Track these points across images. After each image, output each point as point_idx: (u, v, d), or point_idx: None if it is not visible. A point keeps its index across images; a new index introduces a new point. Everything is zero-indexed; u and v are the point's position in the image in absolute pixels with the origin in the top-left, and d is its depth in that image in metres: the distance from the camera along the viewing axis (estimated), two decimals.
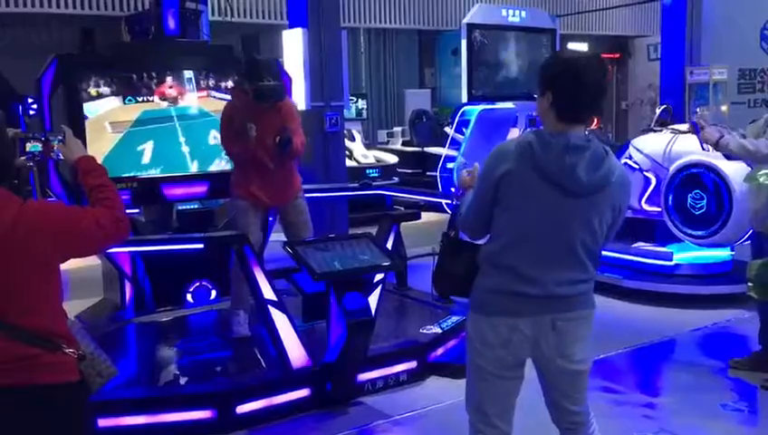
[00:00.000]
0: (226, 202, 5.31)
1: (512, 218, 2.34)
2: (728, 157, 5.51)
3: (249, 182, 4.57)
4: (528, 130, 2.39)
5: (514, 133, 9.26)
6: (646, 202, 6.17)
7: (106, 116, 4.84)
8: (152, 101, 5.02)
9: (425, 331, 4.62)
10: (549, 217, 2.31)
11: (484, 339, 2.39)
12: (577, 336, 2.41)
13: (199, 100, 5.17)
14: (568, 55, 2.45)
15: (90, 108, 4.77)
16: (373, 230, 4.65)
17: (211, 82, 5.18)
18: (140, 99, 4.97)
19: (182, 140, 5.16)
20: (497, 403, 2.45)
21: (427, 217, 5.84)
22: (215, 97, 5.18)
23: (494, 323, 2.37)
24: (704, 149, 4.68)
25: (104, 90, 4.81)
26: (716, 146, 4.30)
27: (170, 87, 5.06)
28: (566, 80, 2.31)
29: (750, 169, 4.75)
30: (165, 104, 5.07)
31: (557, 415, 2.57)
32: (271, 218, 5.53)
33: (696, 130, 4.46)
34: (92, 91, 4.77)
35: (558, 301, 2.36)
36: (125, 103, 4.91)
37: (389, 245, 4.61)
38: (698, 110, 4.84)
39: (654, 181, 6.11)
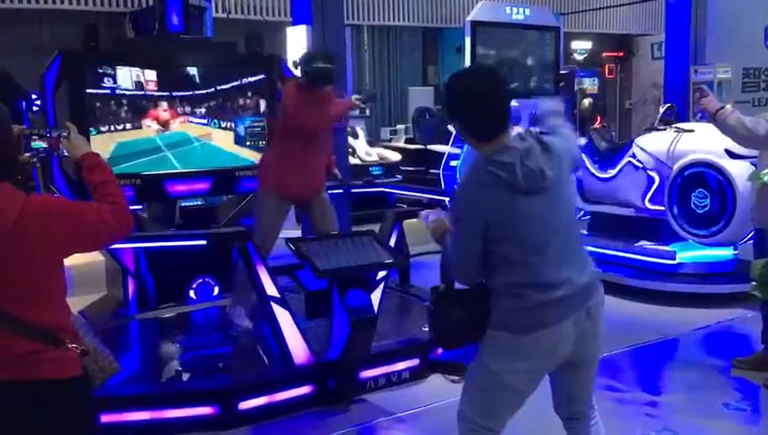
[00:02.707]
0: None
1: (517, 243, 2.33)
2: (732, 155, 5.53)
3: (274, 174, 4.61)
4: (476, 158, 2.33)
5: (517, 131, 9.23)
6: (649, 201, 6.15)
7: None
8: (127, 129, 4.75)
9: (427, 328, 4.62)
10: (542, 222, 2.34)
11: (526, 355, 2.35)
12: (602, 315, 2.47)
13: (180, 125, 5.03)
14: (459, 78, 2.41)
15: None
16: (376, 228, 4.65)
17: (187, 109, 4.99)
18: (109, 128, 4.67)
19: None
20: (512, 412, 2.47)
21: None
22: (192, 122, 5.03)
23: (538, 337, 2.34)
24: (702, 116, 4.63)
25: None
26: (715, 116, 4.21)
27: (164, 110, 4.89)
28: (465, 103, 2.36)
29: (754, 167, 4.74)
30: (152, 131, 4.85)
31: (568, 406, 2.58)
32: None
33: (701, 94, 4.43)
34: None
35: (585, 290, 2.40)
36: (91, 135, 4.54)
37: (392, 242, 4.61)
38: (704, 86, 4.81)
39: (657, 180, 6.10)
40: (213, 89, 5.11)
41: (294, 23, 7.40)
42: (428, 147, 10.63)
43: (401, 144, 11.27)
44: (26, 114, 8.78)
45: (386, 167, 10.12)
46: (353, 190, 6.64)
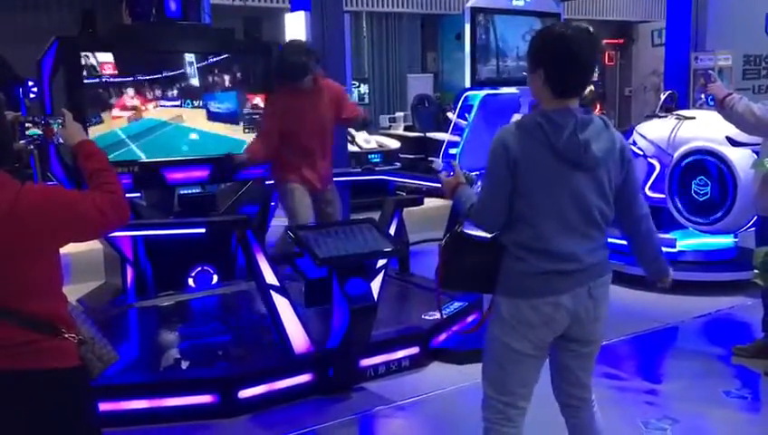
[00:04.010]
0: (268, 186, 5.32)
1: (535, 202, 2.33)
2: (733, 142, 5.50)
3: (299, 167, 4.77)
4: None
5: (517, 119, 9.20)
6: (650, 189, 6.13)
7: None
8: (101, 121, 4.62)
9: (427, 317, 4.61)
10: (569, 194, 2.33)
11: (526, 321, 2.37)
12: (606, 298, 2.48)
13: (149, 112, 4.86)
14: (557, 30, 2.38)
15: None
16: (375, 216, 4.63)
17: (158, 92, 4.85)
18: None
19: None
20: (527, 383, 2.47)
21: (429, 202, 5.81)
22: (164, 106, 4.89)
23: (535, 304, 2.36)
24: (707, 102, 4.61)
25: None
26: (722, 102, 4.15)
27: (132, 97, 4.75)
28: (557, 55, 2.31)
29: (756, 155, 4.71)
30: (120, 123, 4.68)
31: (568, 392, 2.58)
32: (273, 203, 5.51)
33: (707, 80, 4.39)
34: None
35: (592, 269, 2.40)
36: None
37: (392, 230, 4.59)
38: (712, 71, 4.77)
39: (658, 168, 6.08)
40: (183, 70, 4.99)
41: (293, 9, 7.34)
42: (427, 134, 10.60)
43: (400, 132, 11.23)
44: (23, 101, 8.74)
45: (385, 154, 10.08)
46: (352, 178, 6.62)
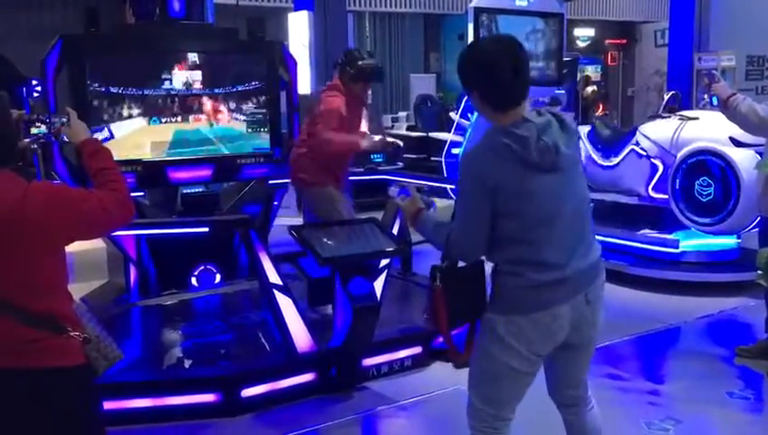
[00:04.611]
0: (304, 191, 5.23)
1: (521, 218, 2.28)
2: (737, 143, 5.50)
3: (334, 170, 4.89)
4: (488, 130, 2.32)
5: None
6: (653, 189, 6.13)
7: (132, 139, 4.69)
8: (187, 120, 4.82)
9: (429, 314, 4.60)
10: (552, 200, 2.29)
11: (525, 337, 2.33)
12: (601, 301, 2.45)
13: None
14: (478, 51, 2.37)
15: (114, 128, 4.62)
16: (378, 215, 4.63)
17: (232, 105, 5.01)
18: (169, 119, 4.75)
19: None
20: (518, 397, 2.45)
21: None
22: (237, 120, 5.05)
23: (534, 318, 2.31)
24: (711, 102, 4.61)
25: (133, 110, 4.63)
26: (726, 103, 4.15)
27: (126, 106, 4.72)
28: (483, 76, 2.31)
29: (759, 156, 4.71)
30: (200, 123, 4.87)
31: (563, 389, 2.57)
32: (276, 202, 5.51)
33: (711, 80, 4.39)
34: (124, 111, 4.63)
35: (585, 274, 2.37)
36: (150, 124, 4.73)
37: (395, 230, 4.59)
38: (716, 72, 4.77)
39: (661, 168, 6.08)
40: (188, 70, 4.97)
41: (296, 8, 7.36)
42: (430, 134, 10.60)
43: (403, 131, 11.23)
44: (27, 100, 8.76)
45: (387, 154, 10.07)
46: (354, 178, 6.62)
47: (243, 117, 5.12)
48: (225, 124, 5.06)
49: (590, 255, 2.40)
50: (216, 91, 5.00)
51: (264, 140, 5.17)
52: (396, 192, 2.45)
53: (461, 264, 2.46)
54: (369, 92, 5.05)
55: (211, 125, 5.01)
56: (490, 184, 2.24)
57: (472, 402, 2.48)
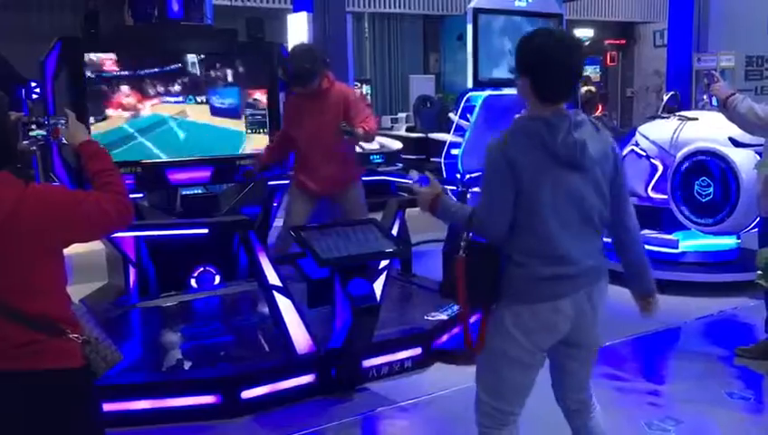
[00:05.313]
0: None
1: (535, 206, 2.31)
2: (736, 143, 5.50)
3: (300, 172, 4.92)
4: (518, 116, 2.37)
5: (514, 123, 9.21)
6: (652, 189, 6.13)
7: None
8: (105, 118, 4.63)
9: (429, 317, 4.61)
10: (567, 195, 2.32)
11: (525, 327, 2.36)
12: (603, 304, 2.47)
13: (153, 108, 4.85)
14: (540, 39, 2.37)
15: None
16: (378, 216, 4.63)
17: (160, 89, 4.85)
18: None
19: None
20: (522, 391, 2.46)
21: None
22: (167, 102, 4.88)
23: (536, 309, 2.35)
24: (711, 103, 4.59)
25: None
26: (725, 103, 4.14)
27: (127, 96, 4.72)
28: (541, 65, 2.33)
29: (758, 156, 4.71)
30: (123, 119, 4.72)
31: (571, 397, 2.58)
32: (275, 203, 5.51)
33: (710, 80, 4.39)
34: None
35: (590, 273, 2.40)
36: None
37: (395, 231, 4.59)
38: (715, 72, 4.75)
39: (660, 168, 6.07)
40: (181, 64, 4.97)
41: (295, 9, 7.35)
42: (429, 135, 10.58)
43: (402, 132, 11.22)
44: (26, 102, 8.75)
45: (387, 155, 10.07)
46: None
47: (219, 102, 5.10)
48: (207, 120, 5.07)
49: (596, 257, 2.43)
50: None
51: (263, 140, 5.18)
52: (416, 178, 2.45)
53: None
54: (360, 85, 4.96)
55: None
56: (515, 165, 2.29)
57: (479, 398, 2.51)
